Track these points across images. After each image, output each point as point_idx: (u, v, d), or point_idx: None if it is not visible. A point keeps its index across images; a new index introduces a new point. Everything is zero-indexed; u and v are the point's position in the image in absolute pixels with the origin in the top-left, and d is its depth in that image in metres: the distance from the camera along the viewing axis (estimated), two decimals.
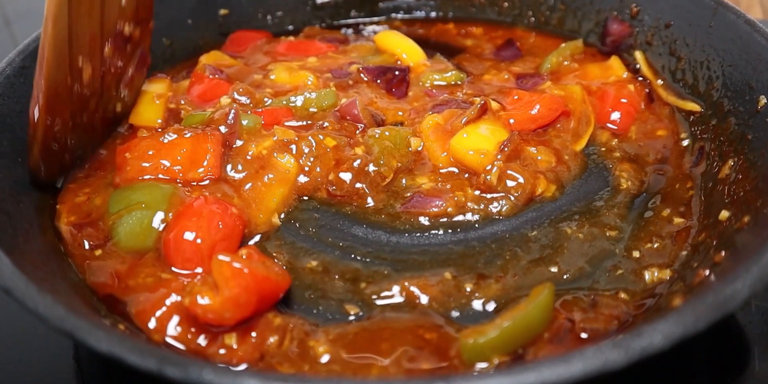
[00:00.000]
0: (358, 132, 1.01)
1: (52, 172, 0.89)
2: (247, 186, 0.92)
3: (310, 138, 0.96)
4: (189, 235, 0.82)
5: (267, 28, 1.36)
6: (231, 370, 0.69)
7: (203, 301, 0.73)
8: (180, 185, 0.89)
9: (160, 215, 0.85)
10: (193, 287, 0.76)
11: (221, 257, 0.75)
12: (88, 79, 0.89)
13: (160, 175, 0.90)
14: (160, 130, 1.02)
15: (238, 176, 0.92)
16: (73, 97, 0.88)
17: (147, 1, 0.97)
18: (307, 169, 0.95)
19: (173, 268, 0.82)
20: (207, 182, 0.90)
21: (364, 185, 0.94)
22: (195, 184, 0.90)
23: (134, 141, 0.94)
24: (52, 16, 0.81)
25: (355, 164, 0.95)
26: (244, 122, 0.96)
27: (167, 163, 0.90)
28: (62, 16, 0.82)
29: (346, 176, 0.95)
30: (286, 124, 1.02)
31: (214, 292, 0.74)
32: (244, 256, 0.79)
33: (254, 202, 0.91)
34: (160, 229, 0.84)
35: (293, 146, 0.96)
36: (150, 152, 0.91)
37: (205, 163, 0.91)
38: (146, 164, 0.91)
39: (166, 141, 0.92)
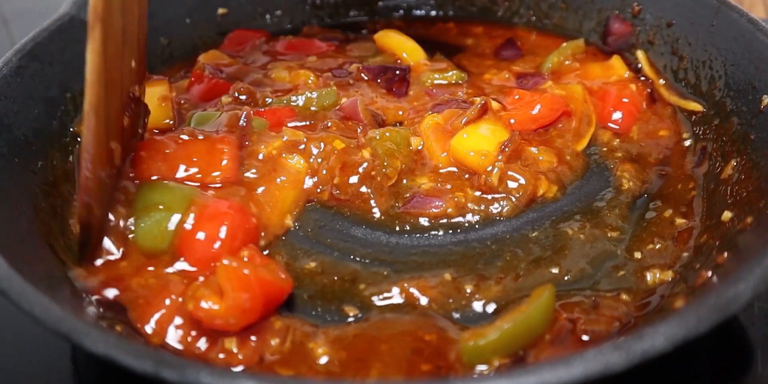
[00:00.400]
0: (359, 131, 1.01)
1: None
2: (261, 189, 0.90)
3: (319, 141, 0.95)
4: (207, 241, 0.81)
5: (266, 27, 1.35)
6: (228, 371, 0.68)
7: (207, 305, 0.73)
8: (197, 188, 0.88)
9: (178, 217, 0.83)
10: (196, 291, 0.75)
11: (227, 262, 0.74)
12: (117, 158, 0.85)
13: (177, 176, 0.89)
14: (173, 129, 1.01)
15: (252, 178, 0.91)
16: (109, 181, 0.84)
17: (143, 54, 0.93)
18: (315, 169, 0.94)
19: (187, 268, 0.81)
20: (220, 185, 0.89)
21: (369, 190, 0.94)
22: (211, 186, 0.89)
23: (150, 140, 0.93)
24: (93, 109, 0.76)
25: (361, 169, 0.94)
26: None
27: (183, 165, 0.89)
28: (101, 104, 0.77)
29: (352, 180, 0.94)
30: (289, 124, 1.02)
31: (218, 296, 0.73)
32: (246, 258, 0.78)
33: (268, 205, 0.90)
34: (178, 231, 0.82)
35: (302, 147, 0.95)
36: (166, 152, 0.90)
37: (222, 165, 0.90)
38: (161, 164, 0.89)
39: (181, 142, 0.90)
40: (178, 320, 0.76)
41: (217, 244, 0.81)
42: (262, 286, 0.75)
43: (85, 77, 0.76)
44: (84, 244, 0.81)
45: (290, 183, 0.93)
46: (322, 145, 0.95)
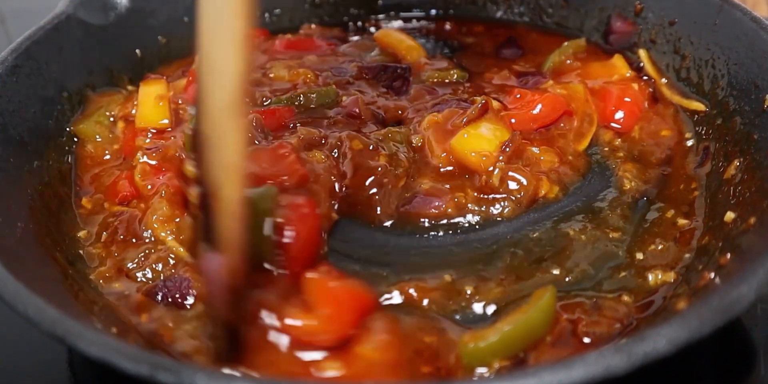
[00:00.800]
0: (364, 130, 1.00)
1: None
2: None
3: (337, 140, 0.94)
4: (298, 242, 0.78)
5: (264, 25, 1.34)
6: (224, 374, 0.67)
7: (295, 322, 0.71)
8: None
9: (272, 221, 0.79)
10: (282, 308, 0.73)
11: (314, 276, 0.73)
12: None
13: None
14: (169, 130, 1.01)
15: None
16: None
17: None
18: (333, 165, 0.93)
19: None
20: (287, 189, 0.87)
21: (378, 195, 0.92)
22: (284, 191, 0.86)
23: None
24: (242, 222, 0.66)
25: (374, 174, 0.92)
26: None
27: (257, 175, 0.86)
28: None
29: (364, 183, 0.92)
30: (290, 125, 1.01)
31: (306, 312, 0.72)
32: (324, 273, 0.77)
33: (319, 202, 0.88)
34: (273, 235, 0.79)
35: (323, 142, 0.94)
36: None
37: (290, 169, 0.88)
38: None
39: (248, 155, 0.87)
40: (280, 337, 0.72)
41: (306, 245, 0.79)
42: (351, 297, 0.74)
43: (232, 177, 0.65)
44: (230, 349, 0.71)
45: (322, 178, 0.91)
46: (339, 143, 0.94)
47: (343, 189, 0.92)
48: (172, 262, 0.84)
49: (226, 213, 0.67)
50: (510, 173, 0.93)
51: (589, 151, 1.02)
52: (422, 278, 0.83)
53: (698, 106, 1.06)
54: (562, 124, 1.02)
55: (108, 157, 1.02)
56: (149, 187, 0.91)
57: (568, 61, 1.19)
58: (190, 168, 0.70)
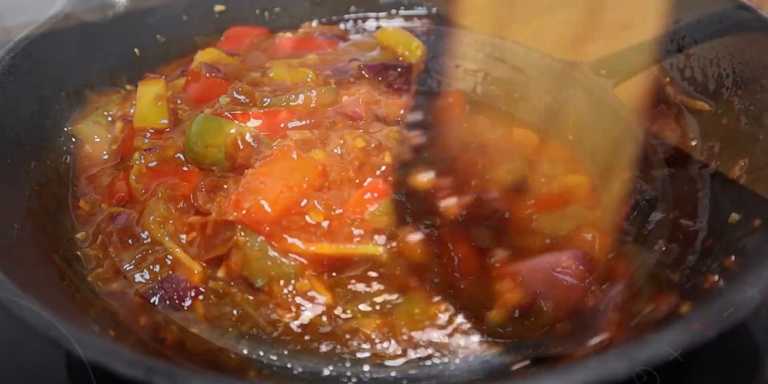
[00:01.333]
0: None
1: None
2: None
3: (340, 139, 0.93)
4: None
5: (264, 24, 1.34)
6: (221, 378, 0.67)
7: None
8: None
9: None
10: None
11: None
12: None
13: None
14: (168, 130, 1.00)
15: None
16: None
17: None
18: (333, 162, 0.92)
19: None
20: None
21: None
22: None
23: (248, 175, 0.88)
24: None
25: (378, 172, 0.91)
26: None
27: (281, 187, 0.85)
28: None
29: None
30: (290, 125, 1.00)
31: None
32: None
33: None
34: None
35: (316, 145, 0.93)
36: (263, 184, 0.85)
37: (308, 168, 0.87)
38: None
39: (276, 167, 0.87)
40: None
41: None
42: None
43: None
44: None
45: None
46: (342, 142, 0.93)
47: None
48: (169, 263, 0.84)
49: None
50: None
51: None
52: None
53: (703, 105, 1.05)
54: None
55: (106, 157, 1.02)
56: (143, 191, 0.91)
57: None
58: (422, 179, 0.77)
